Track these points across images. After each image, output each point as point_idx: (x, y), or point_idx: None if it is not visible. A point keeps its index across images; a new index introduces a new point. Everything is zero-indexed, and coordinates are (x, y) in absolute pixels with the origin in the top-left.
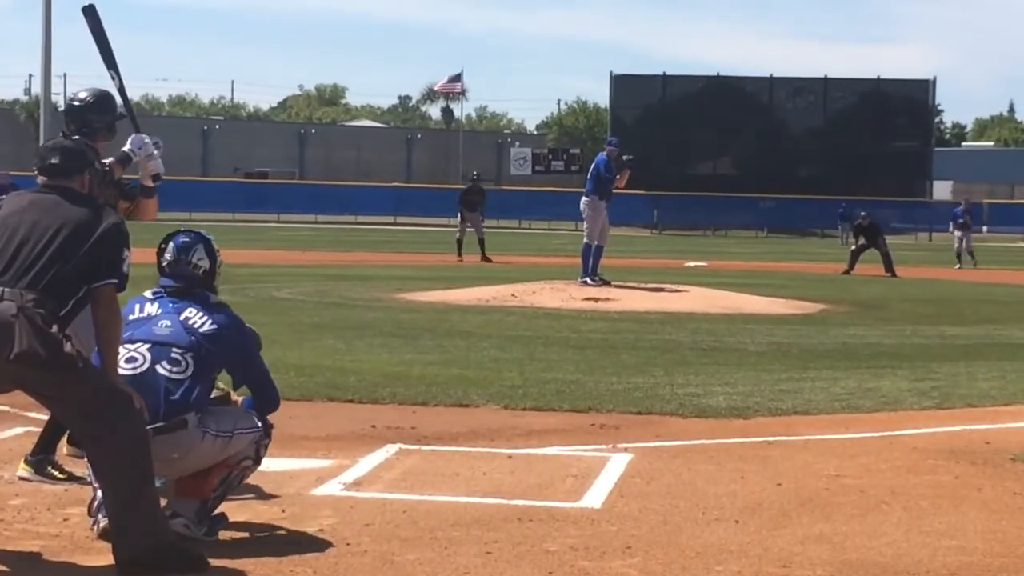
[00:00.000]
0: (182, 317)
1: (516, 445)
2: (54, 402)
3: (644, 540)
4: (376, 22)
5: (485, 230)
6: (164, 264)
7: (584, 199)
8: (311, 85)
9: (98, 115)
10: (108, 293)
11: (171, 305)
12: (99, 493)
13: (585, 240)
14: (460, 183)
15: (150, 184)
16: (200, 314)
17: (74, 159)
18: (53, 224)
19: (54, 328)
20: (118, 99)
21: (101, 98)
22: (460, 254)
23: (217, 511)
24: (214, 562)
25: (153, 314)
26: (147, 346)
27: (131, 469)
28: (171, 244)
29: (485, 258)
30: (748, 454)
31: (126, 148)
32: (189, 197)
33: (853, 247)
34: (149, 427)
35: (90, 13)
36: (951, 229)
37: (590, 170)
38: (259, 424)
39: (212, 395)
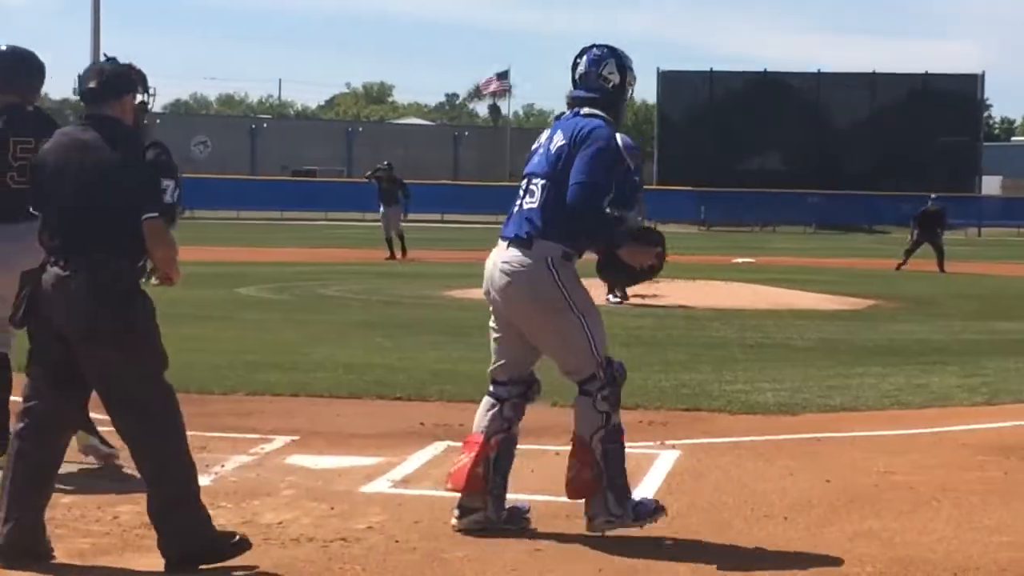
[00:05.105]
0: None
1: (564, 442)
2: (95, 385)
3: (693, 537)
4: (423, 20)
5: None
6: (576, 77)
7: None
8: (358, 83)
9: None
10: (151, 226)
11: None
12: None
13: None
14: (508, 181)
15: None
16: None
17: (113, 82)
18: (92, 175)
19: (98, 294)
20: None
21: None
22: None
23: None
24: (264, 561)
25: None
26: None
27: (171, 469)
28: (584, 58)
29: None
30: (797, 451)
31: None
32: (237, 195)
33: (911, 239)
34: None
35: None
36: None
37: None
38: None
39: None
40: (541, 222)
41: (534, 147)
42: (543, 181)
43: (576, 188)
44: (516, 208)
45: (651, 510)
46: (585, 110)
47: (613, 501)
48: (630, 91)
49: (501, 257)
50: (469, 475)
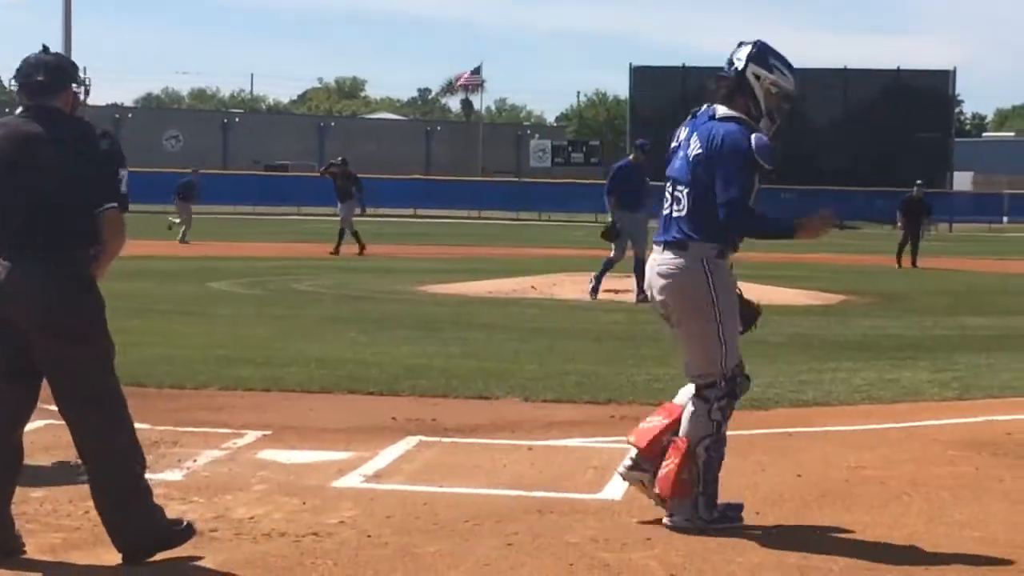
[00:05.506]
0: None
1: (536, 437)
2: (51, 378)
3: (664, 532)
4: (395, 15)
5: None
6: None
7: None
8: (330, 78)
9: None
10: (112, 216)
11: None
12: None
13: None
14: (480, 176)
15: None
16: None
17: (60, 73)
18: (47, 167)
19: (58, 288)
20: None
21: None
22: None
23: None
24: (236, 556)
25: None
26: None
27: (124, 460)
28: None
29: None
30: (768, 446)
31: None
32: (209, 190)
33: (900, 232)
34: None
35: None
36: None
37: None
38: None
39: None
40: (692, 226)
41: (673, 144)
42: (686, 189)
43: (724, 209)
44: (667, 213)
45: (737, 515)
46: (720, 112)
47: (703, 506)
48: (758, 83)
49: (657, 261)
50: (654, 439)
